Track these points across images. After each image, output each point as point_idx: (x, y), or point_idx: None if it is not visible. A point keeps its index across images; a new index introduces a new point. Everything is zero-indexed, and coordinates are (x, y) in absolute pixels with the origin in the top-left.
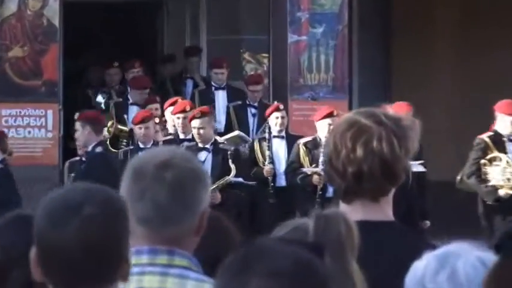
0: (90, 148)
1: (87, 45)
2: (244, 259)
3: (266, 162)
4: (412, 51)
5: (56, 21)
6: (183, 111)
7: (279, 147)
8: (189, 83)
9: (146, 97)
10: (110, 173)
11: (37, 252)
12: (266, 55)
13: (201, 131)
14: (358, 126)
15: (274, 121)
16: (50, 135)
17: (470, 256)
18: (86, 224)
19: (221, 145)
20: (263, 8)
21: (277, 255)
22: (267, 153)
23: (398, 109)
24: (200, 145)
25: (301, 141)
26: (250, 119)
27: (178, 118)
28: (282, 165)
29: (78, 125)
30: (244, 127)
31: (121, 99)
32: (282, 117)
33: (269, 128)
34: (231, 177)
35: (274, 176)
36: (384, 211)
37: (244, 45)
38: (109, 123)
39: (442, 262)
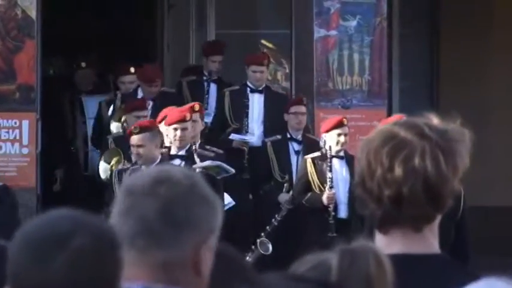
0: None
1: (71, 41)
2: None
3: (327, 187)
4: (465, 49)
5: (33, 13)
6: (183, 120)
7: (340, 170)
8: (212, 87)
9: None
10: None
11: None
12: (287, 53)
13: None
14: (397, 140)
15: (335, 139)
16: (25, 151)
17: None
18: (75, 259)
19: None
20: None
21: None
22: (329, 175)
23: None
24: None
25: None
26: (293, 158)
27: (175, 129)
28: (345, 192)
29: None
30: (285, 167)
31: (122, 133)
32: (345, 135)
33: (330, 147)
34: None
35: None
36: (428, 242)
37: (261, 42)
38: (113, 161)
39: None
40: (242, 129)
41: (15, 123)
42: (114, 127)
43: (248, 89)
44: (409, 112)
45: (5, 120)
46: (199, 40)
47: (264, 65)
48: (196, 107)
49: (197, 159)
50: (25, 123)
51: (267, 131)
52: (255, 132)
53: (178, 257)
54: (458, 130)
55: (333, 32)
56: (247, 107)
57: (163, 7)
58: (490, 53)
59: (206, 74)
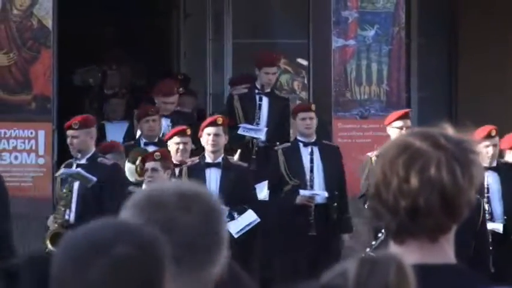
0: None
1: (84, 50)
2: None
3: (483, 202)
4: (484, 59)
5: (49, 23)
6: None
7: (492, 182)
8: (264, 101)
9: None
10: None
11: None
12: (305, 63)
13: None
14: (412, 151)
15: (484, 150)
16: (41, 161)
17: None
18: (116, 267)
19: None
20: (302, 5)
21: None
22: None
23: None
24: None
25: None
26: None
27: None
28: (500, 206)
29: None
30: None
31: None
32: (494, 145)
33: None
34: None
35: None
36: (444, 252)
37: (278, 51)
38: (138, 160)
39: None
40: (306, 186)
41: (32, 133)
42: (127, 169)
43: (301, 143)
44: (428, 122)
45: (21, 131)
46: (215, 49)
47: (312, 110)
48: (219, 120)
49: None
50: (41, 134)
51: (328, 184)
52: (316, 185)
53: (215, 274)
54: (474, 140)
55: (351, 42)
56: (310, 161)
57: (179, 16)
58: (509, 62)
59: (259, 87)
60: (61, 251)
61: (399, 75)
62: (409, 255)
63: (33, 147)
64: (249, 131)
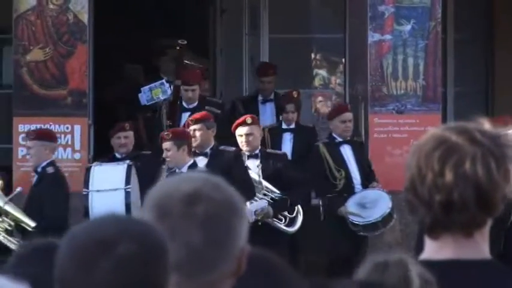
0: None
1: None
2: None
3: None
4: None
5: (85, 18)
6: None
7: None
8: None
9: None
10: None
11: None
12: (341, 58)
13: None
14: (448, 145)
15: None
16: (77, 156)
17: None
18: (120, 265)
19: None
20: (338, 0)
21: None
22: None
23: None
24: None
25: None
26: None
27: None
28: None
29: None
30: None
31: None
32: None
33: None
34: None
35: None
36: (479, 247)
37: (314, 46)
38: None
39: None
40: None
41: (67, 128)
42: None
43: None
44: (464, 117)
45: (57, 125)
46: (252, 44)
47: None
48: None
49: None
50: (77, 128)
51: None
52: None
53: (224, 273)
54: (510, 135)
55: (388, 36)
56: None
57: (215, 12)
58: None
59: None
60: (65, 250)
61: (435, 70)
62: (444, 250)
63: (69, 142)
64: None
